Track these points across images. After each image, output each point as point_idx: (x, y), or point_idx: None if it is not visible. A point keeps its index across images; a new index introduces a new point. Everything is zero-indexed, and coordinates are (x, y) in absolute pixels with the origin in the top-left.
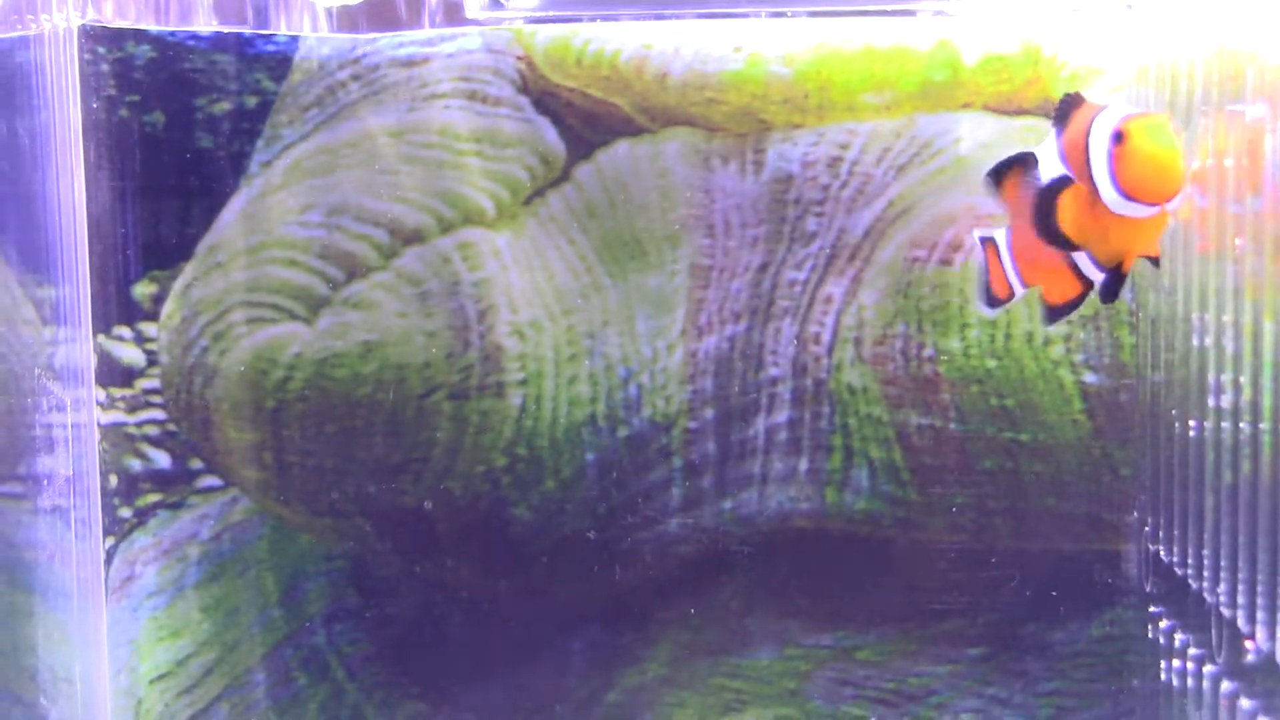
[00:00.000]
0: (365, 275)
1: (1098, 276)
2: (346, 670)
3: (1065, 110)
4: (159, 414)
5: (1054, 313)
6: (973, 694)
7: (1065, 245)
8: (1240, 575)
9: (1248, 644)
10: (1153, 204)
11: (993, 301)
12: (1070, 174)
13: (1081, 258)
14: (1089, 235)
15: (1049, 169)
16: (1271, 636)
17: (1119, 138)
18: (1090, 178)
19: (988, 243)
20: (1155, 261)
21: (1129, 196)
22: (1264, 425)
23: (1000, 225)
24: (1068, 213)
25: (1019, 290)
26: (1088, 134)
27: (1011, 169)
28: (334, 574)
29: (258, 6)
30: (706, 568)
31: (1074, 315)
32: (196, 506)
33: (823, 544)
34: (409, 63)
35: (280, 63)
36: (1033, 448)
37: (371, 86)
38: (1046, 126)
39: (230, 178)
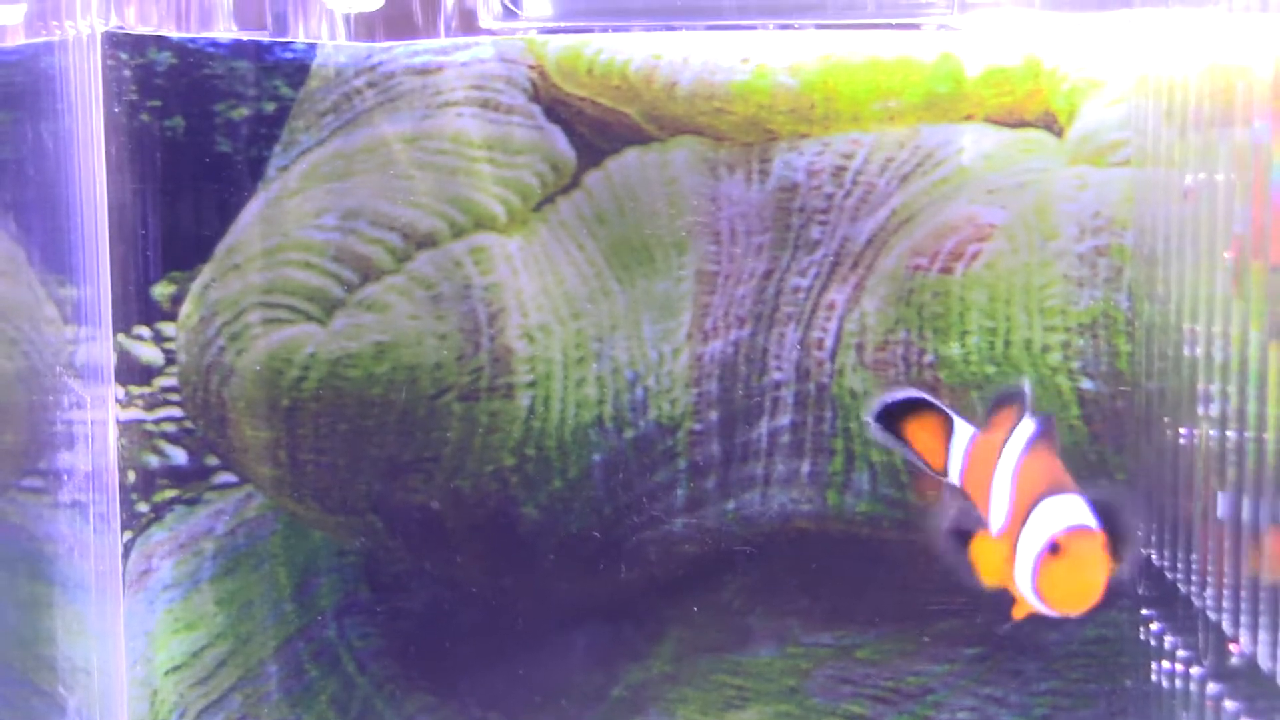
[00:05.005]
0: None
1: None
2: (357, 663)
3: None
4: (176, 412)
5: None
6: (969, 693)
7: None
8: (1225, 580)
9: (1232, 647)
10: (1056, 613)
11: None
12: (1006, 511)
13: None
14: (998, 580)
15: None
16: (1255, 640)
17: (1055, 548)
18: (1015, 544)
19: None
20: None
21: (1043, 601)
22: (1249, 434)
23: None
24: (980, 558)
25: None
26: (1032, 506)
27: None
28: (346, 569)
29: (277, 14)
30: (710, 567)
31: (1072, 324)
32: (212, 502)
33: (824, 545)
34: (423, 71)
35: (298, 70)
36: None
37: (387, 94)
38: (1048, 138)
39: (248, 182)
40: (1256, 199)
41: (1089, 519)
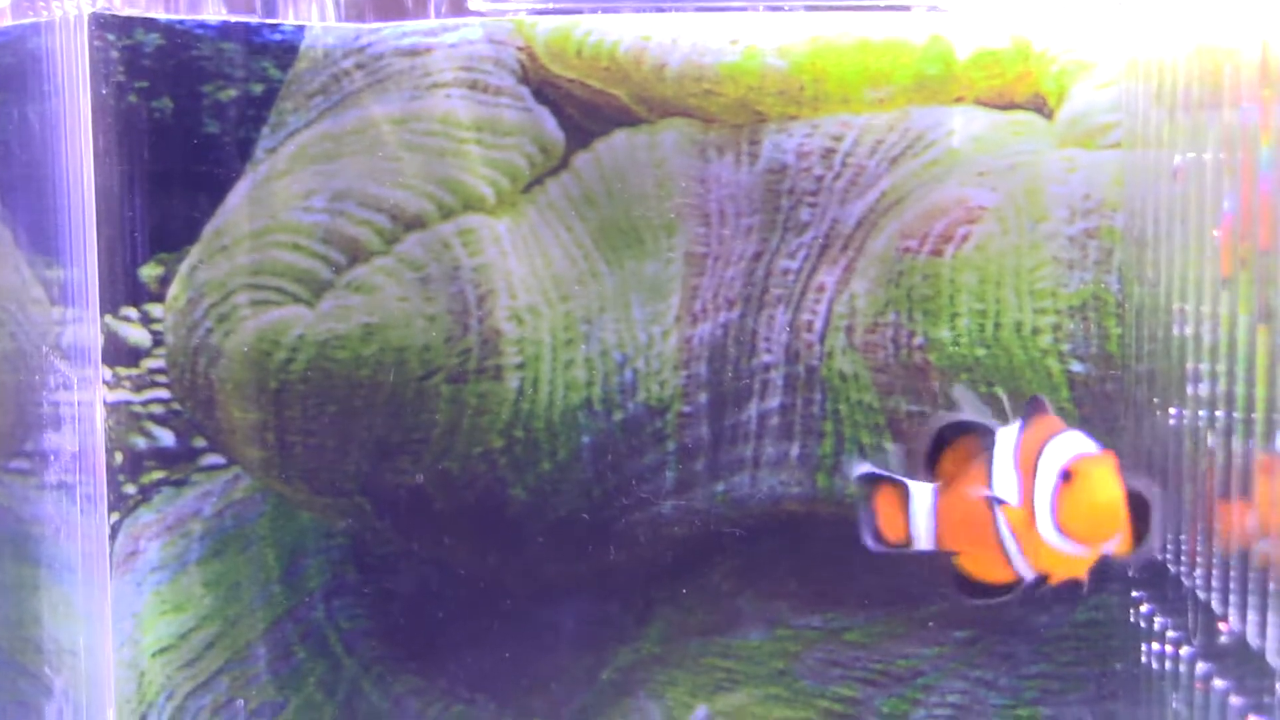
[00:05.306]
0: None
1: (1029, 574)
2: (345, 645)
3: (1032, 411)
4: (164, 393)
5: (971, 588)
6: (959, 676)
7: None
8: (1214, 560)
9: (1221, 626)
10: (1086, 547)
11: (881, 542)
12: (1017, 489)
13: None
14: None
15: (1002, 463)
16: (1244, 619)
17: (1066, 476)
18: (1032, 503)
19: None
20: (1081, 584)
21: (1065, 536)
22: (1238, 414)
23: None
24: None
25: (922, 544)
26: (1038, 456)
27: (962, 435)
28: (333, 551)
29: None
30: (699, 549)
31: (1062, 307)
32: (200, 484)
33: (813, 527)
34: (412, 52)
35: (286, 51)
36: None
37: (375, 75)
38: (1037, 120)
39: (236, 163)
40: (1245, 181)
41: (1093, 447)
